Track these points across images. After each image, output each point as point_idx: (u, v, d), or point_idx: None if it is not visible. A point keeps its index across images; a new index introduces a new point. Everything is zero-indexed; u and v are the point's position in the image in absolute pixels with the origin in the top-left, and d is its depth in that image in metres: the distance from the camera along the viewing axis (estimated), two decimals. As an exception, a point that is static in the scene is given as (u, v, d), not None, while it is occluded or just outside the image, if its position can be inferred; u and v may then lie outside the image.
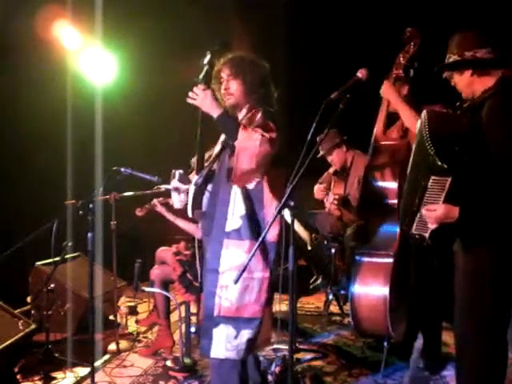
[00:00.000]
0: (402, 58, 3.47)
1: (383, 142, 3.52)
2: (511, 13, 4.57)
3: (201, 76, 2.61)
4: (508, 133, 2.25)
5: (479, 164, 2.23)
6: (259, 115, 2.58)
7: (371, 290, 3.28)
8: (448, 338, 3.55)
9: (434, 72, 2.56)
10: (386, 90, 3.34)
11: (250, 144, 2.44)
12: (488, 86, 2.41)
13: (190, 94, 2.54)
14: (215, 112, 2.51)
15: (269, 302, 2.64)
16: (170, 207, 4.05)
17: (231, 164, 2.51)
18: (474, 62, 2.43)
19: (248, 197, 2.57)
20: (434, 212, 2.28)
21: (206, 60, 2.63)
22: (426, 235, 2.37)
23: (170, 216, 4.02)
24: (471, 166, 2.22)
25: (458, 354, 2.50)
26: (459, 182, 2.23)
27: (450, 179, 2.23)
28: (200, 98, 2.52)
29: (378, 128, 3.55)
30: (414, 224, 2.42)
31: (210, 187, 2.70)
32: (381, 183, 3.42)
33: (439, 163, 2.21)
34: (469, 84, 2.47)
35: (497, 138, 2.24)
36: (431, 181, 2.28)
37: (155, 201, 4.04)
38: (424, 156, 2.28)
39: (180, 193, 2.87)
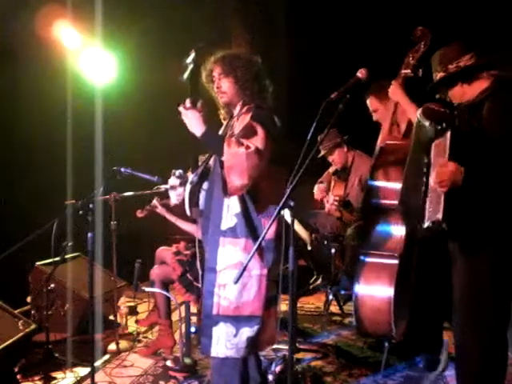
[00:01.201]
0: (411, 58, 3.35)
1: (389, 142, 3.49)
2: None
3: (185, 75, 2.60)
4: (508, 133, 2.25)
5: (480, 162, 2.23)
6: (248, 118, 2.55)
7: (375, 291, 3.26)
8: (448, 338, 3.54)
9: (428, 91, 2.56)
10: (395, 91, 3.27)
11: (237, 161, 2.43)
12: (483, 88, 2.41)
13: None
14: (198, 131, 2.53)
15: (273, 301, 2.63)
16: (170, 208, 4.05)
17: (225, 176, 2.49)
18: (458, 74, 2.43)
19: (243, 195, 2.55)
20: (447, 168, 2.21)
21: (189, 59, 2.61)
22: (440, 216, 2.24)
23: (170, 217, 4.02)
24: (472, 160, 2.22)
25: (457, 353, 2.51)
26: (457, 136, 2.26)
27: (449, 132, 2.25)
28: (184, 117, 2.55)
29: (384, 129, 3.51)
30: (426, 213, 2.35)
31: (205, 185, 2.70)
32: (387, 183, 3.41)
33: (434, 128, 2.28)
34: (462, 94, 2.48)
35: (496, 138, 2.25)
36: (432, 146, 2.33)
37: (155, 201, 4.04)
38: (421, 150, 2.29)
39: (177, 189, 2.87)
